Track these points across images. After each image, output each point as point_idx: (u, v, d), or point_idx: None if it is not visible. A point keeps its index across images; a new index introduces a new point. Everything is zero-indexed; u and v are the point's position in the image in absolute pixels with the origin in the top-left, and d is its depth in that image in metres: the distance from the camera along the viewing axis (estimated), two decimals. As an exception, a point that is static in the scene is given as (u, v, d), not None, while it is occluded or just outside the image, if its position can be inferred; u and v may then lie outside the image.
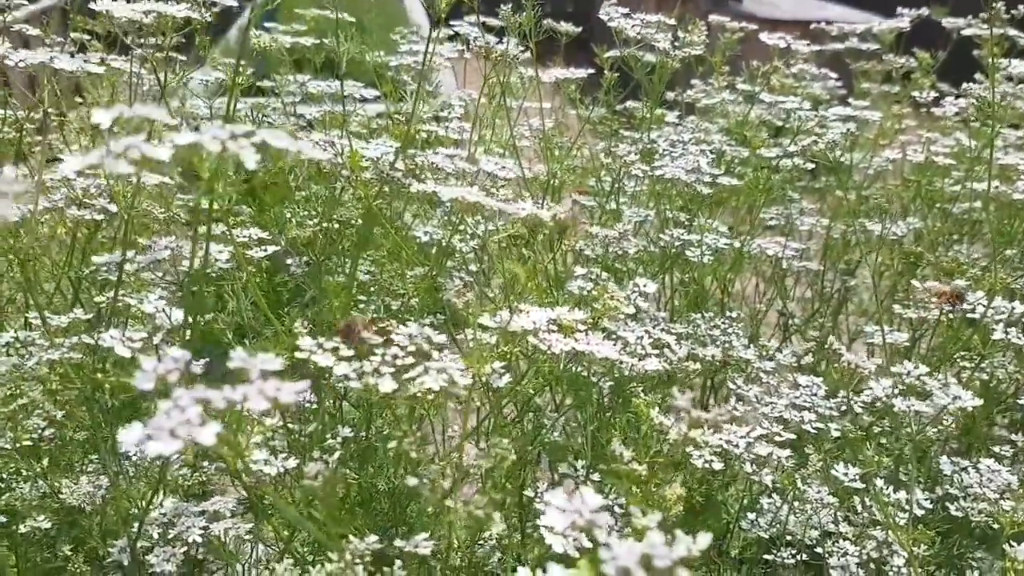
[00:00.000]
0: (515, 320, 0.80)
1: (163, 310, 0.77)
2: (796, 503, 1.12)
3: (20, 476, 1.05)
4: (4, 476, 1.02)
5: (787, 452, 0.90)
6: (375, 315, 1.03)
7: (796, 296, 1.68)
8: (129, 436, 0.46)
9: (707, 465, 0.88)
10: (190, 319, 0.76)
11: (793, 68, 1.48)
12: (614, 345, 0.81)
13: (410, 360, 0.72)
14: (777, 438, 0.91)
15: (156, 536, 0.90)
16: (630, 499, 0.64)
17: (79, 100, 1.87)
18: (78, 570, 1.03)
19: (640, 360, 0.83)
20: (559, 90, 1.59)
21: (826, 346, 1.11)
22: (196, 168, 0.57)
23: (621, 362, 0.80)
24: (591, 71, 1.35)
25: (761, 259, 1.49)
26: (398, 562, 0.74)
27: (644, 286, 0.94)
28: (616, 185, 1.23)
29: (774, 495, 1.18)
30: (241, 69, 1.19)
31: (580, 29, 1.50)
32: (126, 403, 1.10)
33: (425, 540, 0.75)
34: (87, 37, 1.68)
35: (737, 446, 0.86)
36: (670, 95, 1.67)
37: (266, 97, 1.63)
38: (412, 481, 0.64)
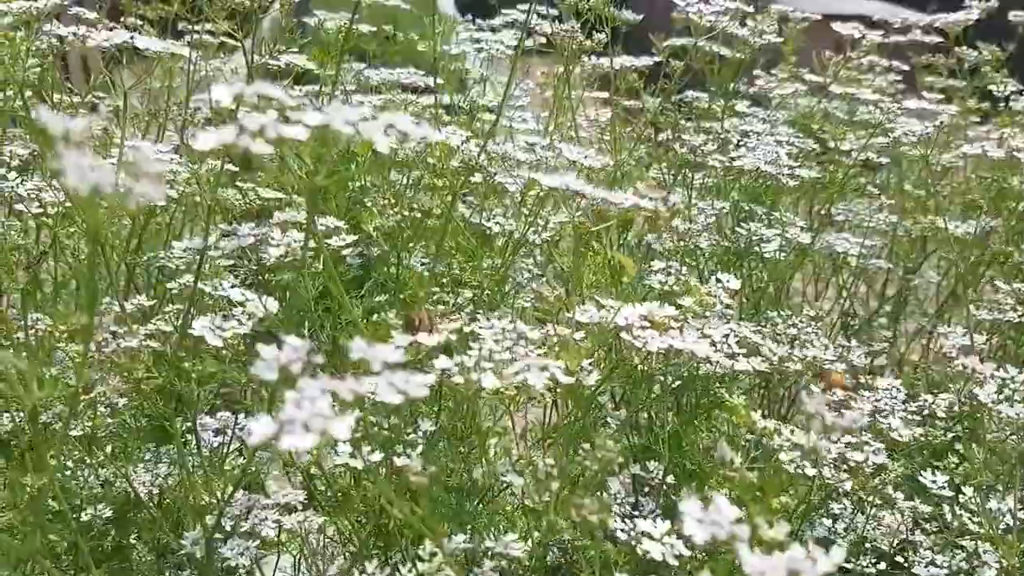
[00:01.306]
0: (606, 316, 0.77)
1: (253, 298, 0.75)
2: (873, 510, 1.09)
3: (83, 464, 1.04)
4: (69, 464, 1.00)
5: (883, 459, 0.87)
6: (446, 308, 1.01)
7: (854, 294, 1.64)
8: (259, 428, 0.43)
9: (799, 471, 0.85)
10: (280, 308, 0.74)
11: (863, 60, 1.44)
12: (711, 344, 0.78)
13: (507, 355, 0.70)
14: (867, 445, 0.88)
15: (228, 528, 0.88)
16: (750, 509, 0.62)
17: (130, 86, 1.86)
18: (143, 560, 1.02)
19: (730, 359, 0.80)
20: (615, 81, 1.56)
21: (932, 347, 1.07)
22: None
23: (714, 361, 0.77)
24: (658, 59, 1.32)
25: (824, 256, 1.46)
26: (488, 563, 0.72)
27: (727, 281, 0.91)
28: (684, 177, 1.20)
29: (844, 500, 1.15)
30: (285, 55, 1.17)
31: (641, 16, 1.47)
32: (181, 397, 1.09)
33: (515, 542, 0.73)
34: (139, 22, 1.67)
35: (829, 451, 0.84)
36: (735, 86, 1.64)
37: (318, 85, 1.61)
38: (518, 480, 0.62)
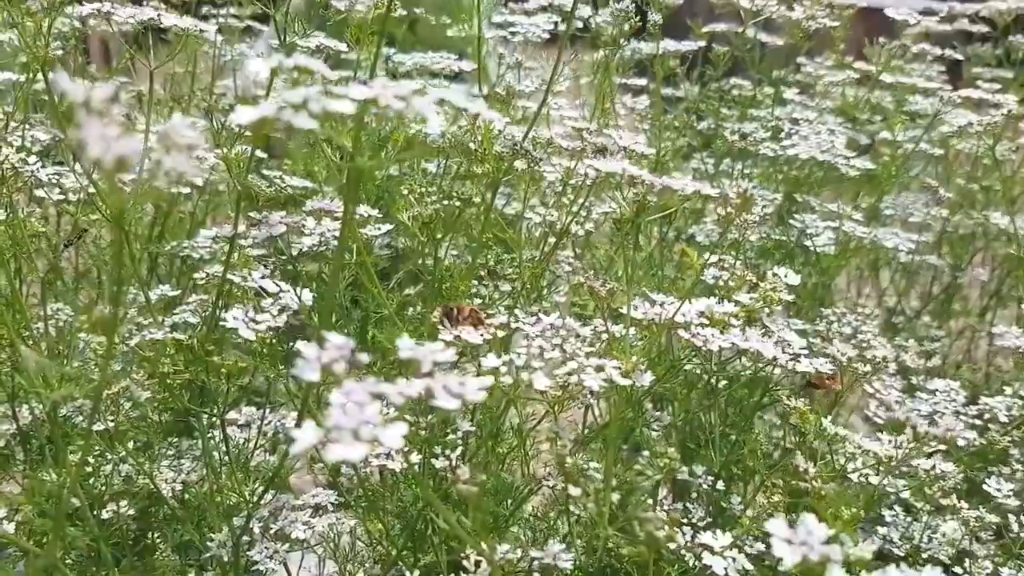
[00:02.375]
0: (662, 312, 0.72)
1: (288, 290, 0.70)
2: (927, 517, 1.03)
3: (104, 459, 1.00)
4: (90, 460, 0.96)
5: (951, 466, 0.82)
6: (483, 302, 0.96)
7: (899, 291, 1.58)
8: (305, 436, 0.39)
9: (863, 479, 0.80)
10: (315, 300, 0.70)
11: (913, 48, 1.38)
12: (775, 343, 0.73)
13: (557, 354, 0.65)
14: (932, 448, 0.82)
15: (257, 529, 0.84)
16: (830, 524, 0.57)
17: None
18: (166, 560, 0.98)
19: (794, 360, 0.75)
20: (653, 67, 1.51)
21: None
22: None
23: (779, 361, 0.72)
24: (701, 44, 1.27)
25: (868, 251, 1.40)
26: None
27: (785, 276, 0.86)
28: (730, 166, 1.15)
29: (896, 507, 1.09)
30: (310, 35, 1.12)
31: (681, 1, 1.42)
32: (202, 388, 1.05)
33: (563, 552, 0.68)
34: (162, 5, 1.63)
35: (894, 458, 0.78)
36: (776, 73, 1.58)
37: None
38: (575, 491, 0.57)
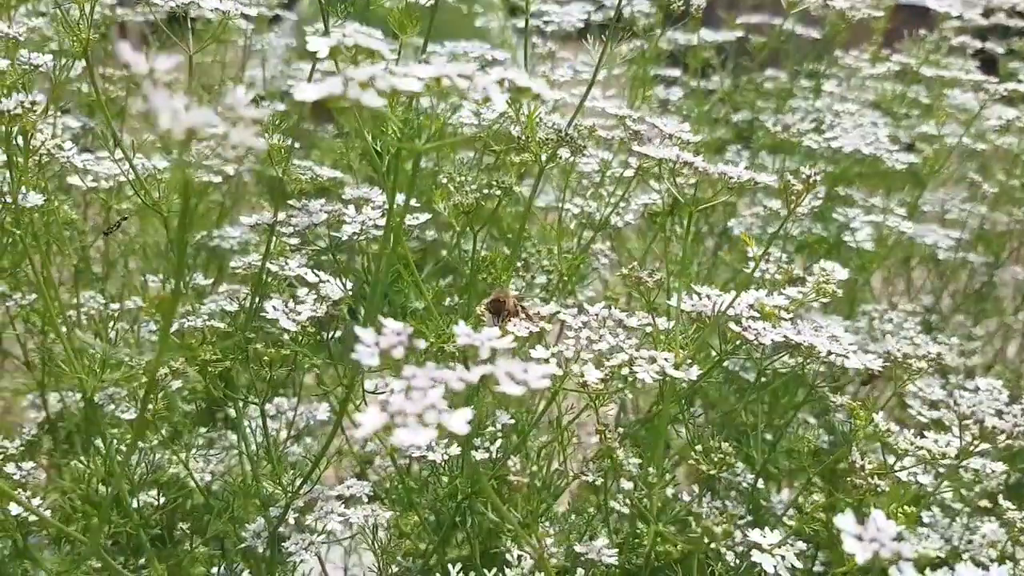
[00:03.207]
0: (711, 304, 0.71)
1: (328, 279, 0.69)
2: (967, 519, 1.02)
3: (135, 448, 0.99)
4: (122, 448, 0.96)
5: (1001, 466, 0.80)
6: (519, 293, 0.95)
7: (934, 288, 1.55)
8: (369, 419, 0.38)
9: (912, 479, 0.78)
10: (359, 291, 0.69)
11: (953, 40, 1.35)
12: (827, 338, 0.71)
13: (604, 345, 0.64)
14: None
15: (292, 521, 0.84)
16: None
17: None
18: (195, 551, 0.97)
19: (843, 356, 0.73)
20: (687, 58, 1.49)
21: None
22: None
23: (831, 355, 0.70)
24: (739, 34, 1.25)
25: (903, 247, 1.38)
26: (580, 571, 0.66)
27: (833, 270, 0.84)
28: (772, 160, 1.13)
29: (934, 508, 1.07)
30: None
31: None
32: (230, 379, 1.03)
33: (607, 548, 0.67)
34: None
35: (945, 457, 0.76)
36: (811, 66, 1.56)
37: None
38: (627, 484, 0.56)
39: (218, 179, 1.20)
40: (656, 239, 1.01)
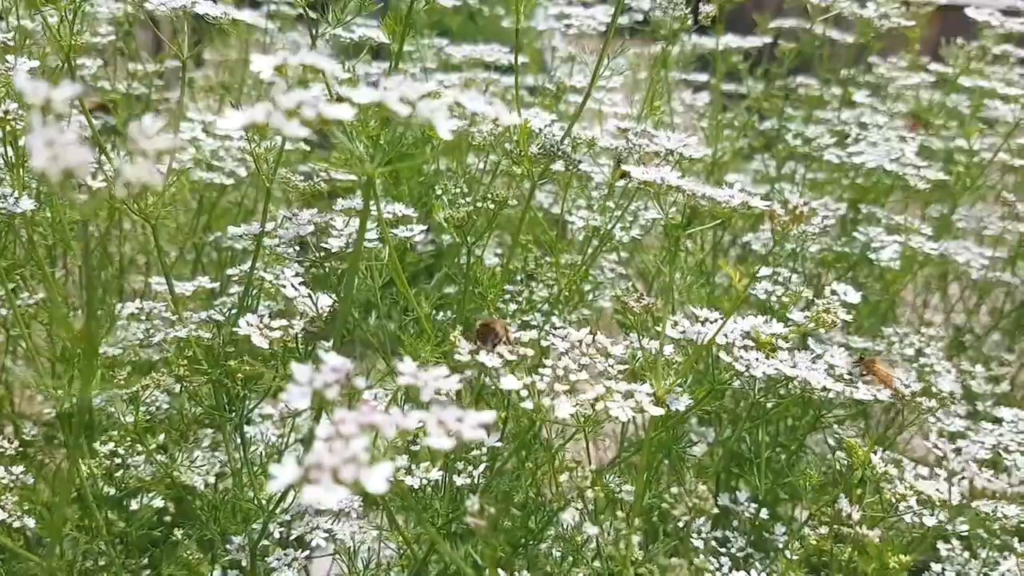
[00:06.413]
0: (702, 332, 0.67)
1: (307, 295, 0.67)
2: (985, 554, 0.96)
3: (134, 451, 0.99)
4: (120, 452, 0.95)
5: (1014, 509, 0.75)
6: (518, 307, 0.92)
7: (967, 307, 1.49)
8: (282, 475, 0.36)
9: (917, 520, 0.74)
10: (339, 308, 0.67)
11: (995, 49, 1.29)
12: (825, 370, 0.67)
13: (583, 375, 0.61)
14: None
15: (277, 535, 0.82)
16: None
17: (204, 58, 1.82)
18: (191, 555, 0.97)
19: (849, 387, 0.69)
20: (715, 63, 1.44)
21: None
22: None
23: (831, 391, 0.66)
24: (768, 39, 1.20)
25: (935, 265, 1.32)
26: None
27: (844, 294, 0.80)
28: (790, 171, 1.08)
29: (953, 541, 1.02)
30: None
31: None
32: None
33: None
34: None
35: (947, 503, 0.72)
36: (845, 73, 1.50)
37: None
38: (592, 530, 0.53)
39: (230, 181, 1.19)
40: (669, 255, 0.97)
